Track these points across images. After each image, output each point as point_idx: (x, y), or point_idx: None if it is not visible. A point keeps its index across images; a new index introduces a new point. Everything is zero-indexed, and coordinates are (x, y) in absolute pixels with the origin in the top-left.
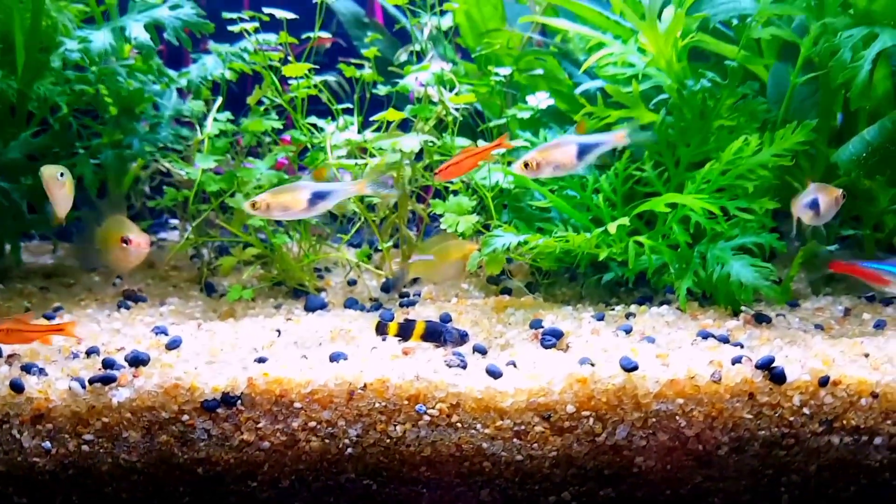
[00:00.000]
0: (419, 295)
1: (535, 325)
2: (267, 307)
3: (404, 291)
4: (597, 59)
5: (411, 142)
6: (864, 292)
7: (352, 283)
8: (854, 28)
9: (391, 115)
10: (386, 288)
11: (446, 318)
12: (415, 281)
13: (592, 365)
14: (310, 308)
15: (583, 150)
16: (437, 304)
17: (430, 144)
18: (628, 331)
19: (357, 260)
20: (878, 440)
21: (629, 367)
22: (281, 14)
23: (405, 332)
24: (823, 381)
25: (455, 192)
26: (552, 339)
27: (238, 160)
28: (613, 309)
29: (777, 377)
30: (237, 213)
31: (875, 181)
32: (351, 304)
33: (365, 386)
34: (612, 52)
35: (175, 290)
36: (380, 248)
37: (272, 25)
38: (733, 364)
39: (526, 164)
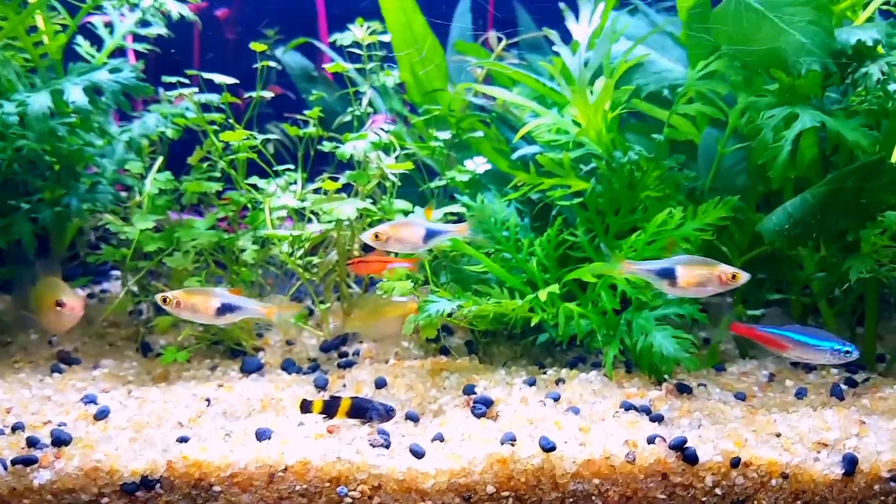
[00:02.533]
0: (358, 354)
1: (469, 390)
2: (203, 368)
3: (343, 351)
4: (532, 128)
5: (348, 209)
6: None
7: (290, 342)
8: (776, 108)
9: (328, 184)
10: (325, 348)
11: (381, 383)
12: (356, 337)
13: (513, 445)
14: (245, 370)
15: (429, 235)
16: (374, 366)
17: (372, 209)
18: (556, 399)
19: (296, 321)
20: None
21: (548, 448)
22: (221, 79)
23: (330, 409)
24: (735, 463)
25: (397, 253)
26: (482, 407)
27: (181, 219)
28: (546, 372)
29: (689, 458)
30: (175, 272)
31: (797, 251)
32: (288, 365)
33: (286, 468)
34: (544, 122)
35: (111, 350)
36: (315, 308)
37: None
38: (648, 443)
39: (376, 236)
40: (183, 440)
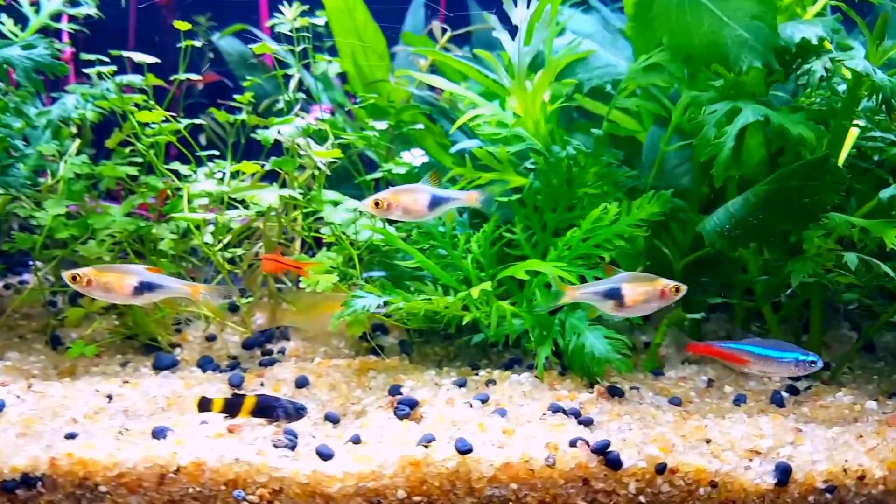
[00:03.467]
0: (284, 352)
1: (394, 391)
2: (113, 364)
3: (267, 349)
4: (471, 120)
5: (269, 196)
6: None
7: (211, 338)
8: (718, 103)
9: (247, 167)
10: (248, 345)
11: (303, 382)
12: (283, 335)
13: (426, 446)
14: (158, 367)
15: (435, 202)
16: (298, 365)
17: (297, 198)
18: (484, 400)
19: (213, 315)
20: None
21: (463, 450)
22: (140, 58)
23: (232, 408)
24: (660, 469)
25: (329, 246)
26: (406, 408)
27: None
28: (478, 373)
29: (612, 463)
30: (89, 262)
31: (739, 251)
32: (205, 363)
33: (178, 469)
34: (482, 112)
35: (19, 342)
36: (238, 302)
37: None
38: (570, 447)
39: (377, 203)
40: (71, 437)
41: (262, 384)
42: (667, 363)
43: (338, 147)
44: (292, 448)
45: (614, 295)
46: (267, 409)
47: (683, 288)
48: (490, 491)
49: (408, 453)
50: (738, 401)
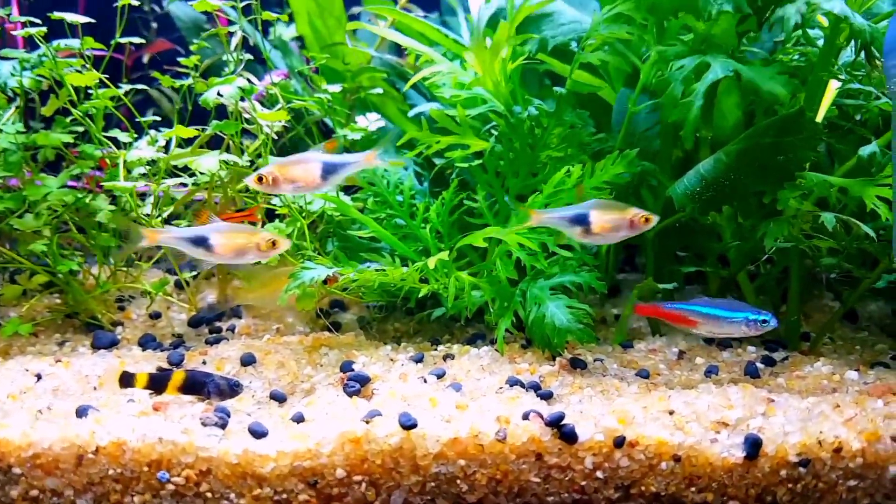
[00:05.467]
0: (234, 330)
1: (346, 367)
2: (50, 343)
3: (216, 326)
4: (429, 80)
5: (209, 161)
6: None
7: (155, 315)
8: (686, 57)
9: (181, 131)
10: (194, 322)
11: (249, 360)
12: (235, 313)
13: (368, 422)
14: (97, 346)
15: (328, 170)
16: (246, 343)
17: (239, 163)
18: (440, 375)
19: (154, 290)
20: None
21: (407, 425)
22: (73, 18)
23: (158, 384)
24: (619, 442)
25: (283, 217)
26: (356, 385)
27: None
28: (437, 349)
29: (567, 436)
30: (23, 236)
31: (712, 217)
32: (146, 341)
33: (97, 450)
34: (439, 69)
35: None
36: (180, 276)
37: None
38: (523, 420)
39: (260, 179)
40: None
41: (203, 362)
42: (639, 336)
43: (292, 114)
44: (223, 426)
45: (581, 220)
46: (196, 384)
47: (654, 218)
48: (436, 468)
49: (348, 429)
50: (710, 372)
